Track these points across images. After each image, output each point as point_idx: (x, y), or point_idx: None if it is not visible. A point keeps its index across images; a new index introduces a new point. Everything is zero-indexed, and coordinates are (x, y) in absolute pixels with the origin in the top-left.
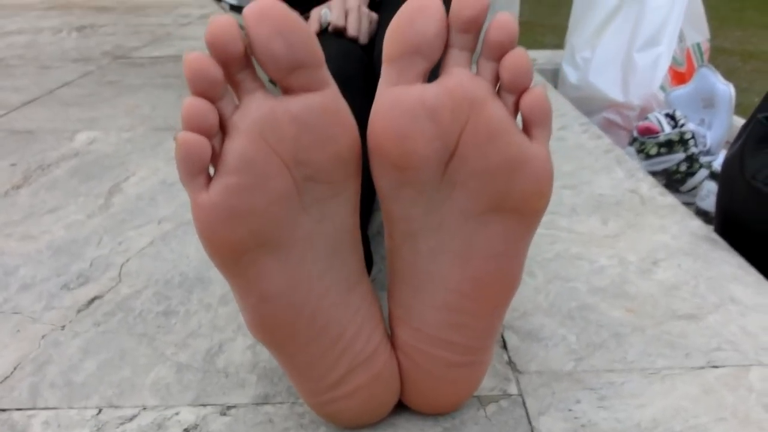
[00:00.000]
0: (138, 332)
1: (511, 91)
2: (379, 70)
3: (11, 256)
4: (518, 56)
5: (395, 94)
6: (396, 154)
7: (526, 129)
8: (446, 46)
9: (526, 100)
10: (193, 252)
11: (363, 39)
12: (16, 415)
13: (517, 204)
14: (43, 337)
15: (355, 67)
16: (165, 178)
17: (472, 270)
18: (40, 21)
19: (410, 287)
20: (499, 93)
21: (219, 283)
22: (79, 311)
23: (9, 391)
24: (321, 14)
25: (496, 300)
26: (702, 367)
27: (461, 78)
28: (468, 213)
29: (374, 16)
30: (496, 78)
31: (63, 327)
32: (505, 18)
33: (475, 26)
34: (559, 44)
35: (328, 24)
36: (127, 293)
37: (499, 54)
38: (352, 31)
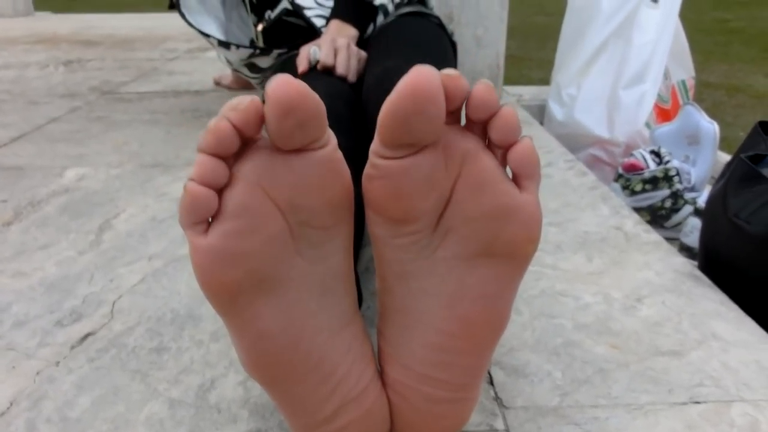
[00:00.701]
0: (131, 368)
1: (500, 146)
2: (368, 108)
3: (4, 293)
4: (505, 117)
5: (391, 164)
6: (394, 211)
7: (516, 180)
8: None
9: (515, 155)
10: (184, 289)
11: (351, 78)
12: None
13: (508, 249)
14: (38, 373)
15: (345, 106)
16: (154, 214)
17: (462, 310)
18: (26, 55)
19: (400, 326)
20: (488, 145)
21: (210, 320)
22: (72, 347)
23: (6, 426)
24: (310, 52)
25: (484, 340)
26: (685, 403)
27: (453, 135)
28: (460, 257)
29: (363, 54)
30: (484, 131)
31: (57, 363)
32: (482, 93)
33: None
34: (545, 78)
35: (317, 62)
36: (119, 330)
37: (486, 116)
38: (341, 69)
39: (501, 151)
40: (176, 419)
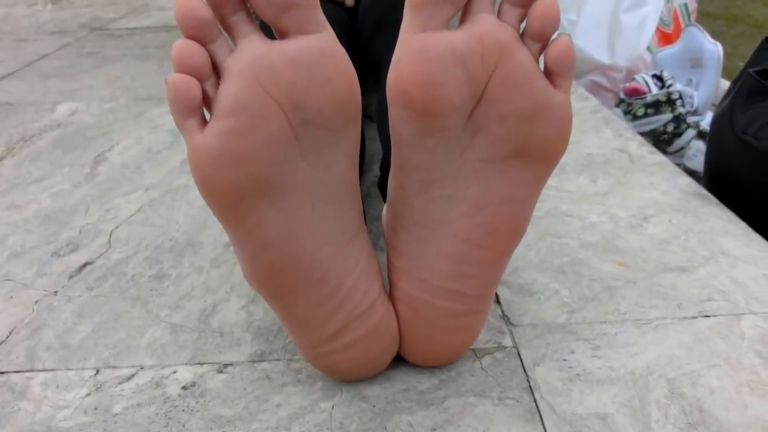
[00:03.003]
0: (131, 296)
1: (537, 39)
2: (365, 32)
3: None
4: (548, 6)
5: (423, 41)
6: (424, 101)
7: (550, 77)
8: None
9: (553, 51)
10: (182, 217)
11: (349, 1)
12: (14, 377)
13: (538, 149)
14: (36, 302)
15: (342, 34)
16: (150, 146)
17: (485, 217)
18: None
19: (417, 238)
20: (522, 38)
21: (210, 246)
22: (70, 277)
23: (6, 354)
24: None
25: (504, 247)
26: (694, 317)
27: (489, 24)
28: (488, 159)
29: None
30: (519, 23)
31: (56, 292)
32: None
33: None
34: None
35: None
36: (118, 258)
37: (525, 1)
38: None
39: (537, 45)
40: (179, 344)
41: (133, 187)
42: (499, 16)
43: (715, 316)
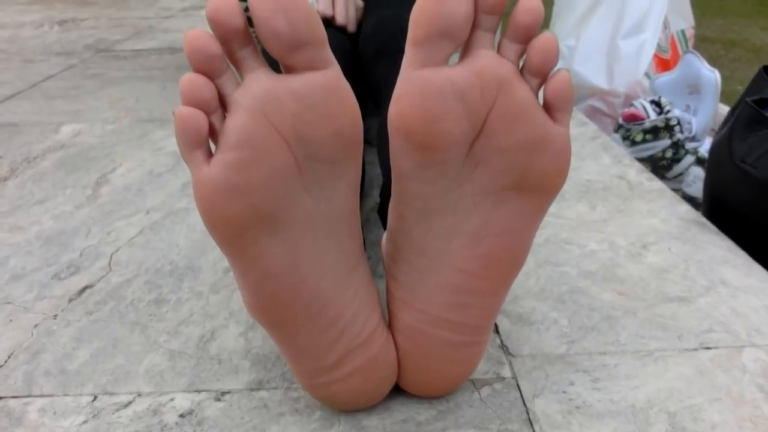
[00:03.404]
0: (130, 320)
1: (536, 74)
2: (366, 58)
3: (1, 247)
4: (547, 41)
5: (424, 77)
6: (424, 135)
7: (549, 111)
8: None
9: (553, 86)
10: (182, 241)
11: (351, 27)
12: (12, 402)
13: (538, 182)
14: (35, 326)
15: (344, 60)
16: (152, 168)
17: (484, 248)
18: (21, 15)
19: (416, 268)
20: (521, 73)
21: (209, 271)
22: (70, 300)
23: (4, 379)
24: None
25: (503, 278)
26: (695, 349)
27: (489, 59)
28: (487, 191)
29: (360, 3)
30: (519, 58)
31: (55, 316)
32: (531, 1)
33: (501, 8)
34: None
35: None
36: (117, 282)
37: (524, 37)
38: (340, 19)
39: (536, 80)
40: (176, 370)
41: (135, 209)
42: (498, 51)
43: (716, 348)
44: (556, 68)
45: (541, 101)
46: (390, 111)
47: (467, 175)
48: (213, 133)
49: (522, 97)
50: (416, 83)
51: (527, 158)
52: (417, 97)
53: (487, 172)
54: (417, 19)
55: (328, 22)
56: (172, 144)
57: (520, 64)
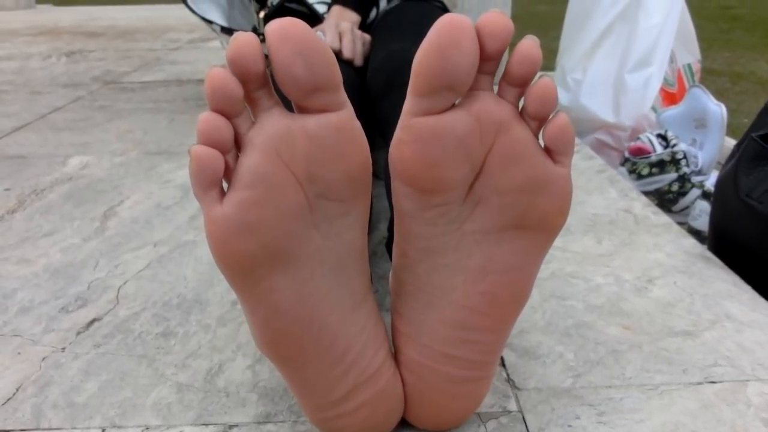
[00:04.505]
0: (138, 353)
1: (535, 118)
2: (373, 91)
3: (9, 279)
4: (544, 86)
5: (424, 124)
6: (425, 180)
7: (550, 154)
8: None
9: (552, 130)
10: (190, 273)
11: (358, 61)
12: None
13: (538, 221)
14: (43, 359)
15: (351, 93)
16: (159, 201)
17: (487, 285)
18: (29, 47)
19: (420, 304)
20: (521, 115)
21: (217, 305)
22: (78, 333)
23: (12, 412)
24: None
25: (507, 314)
26: (700, 383)
27: (487, 102)
28: (488, 230)
29: (367, 38)
30: (518, 100)
31: (63, 349)
32: (529, 47)
33: (501, 53)
34: (548, 66)
35: None
36: (125, 315)
37: (522, 83)
38: (347, 53)
39: (535, 122)
40: (184, 403)
41: (142, 242)
42: (498, 92)
43: (720, 382)
44: (555, 110)
45: (542, 142)
46: (391, 154)
47: (468, 215)
48: (226, 171)
49: (521, 139)
50: (416, 130)
51: (528, 198)
52: (417, 143)
53: (488, 211)
54: (419, 71)
55: (335, 56)
56: (179, 176)
57: (520, 104)
